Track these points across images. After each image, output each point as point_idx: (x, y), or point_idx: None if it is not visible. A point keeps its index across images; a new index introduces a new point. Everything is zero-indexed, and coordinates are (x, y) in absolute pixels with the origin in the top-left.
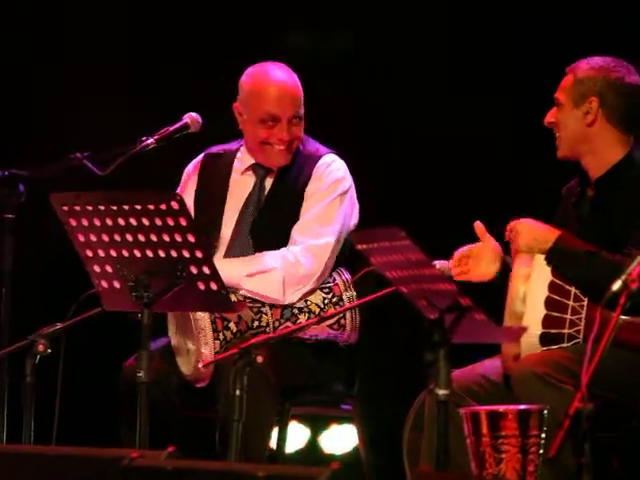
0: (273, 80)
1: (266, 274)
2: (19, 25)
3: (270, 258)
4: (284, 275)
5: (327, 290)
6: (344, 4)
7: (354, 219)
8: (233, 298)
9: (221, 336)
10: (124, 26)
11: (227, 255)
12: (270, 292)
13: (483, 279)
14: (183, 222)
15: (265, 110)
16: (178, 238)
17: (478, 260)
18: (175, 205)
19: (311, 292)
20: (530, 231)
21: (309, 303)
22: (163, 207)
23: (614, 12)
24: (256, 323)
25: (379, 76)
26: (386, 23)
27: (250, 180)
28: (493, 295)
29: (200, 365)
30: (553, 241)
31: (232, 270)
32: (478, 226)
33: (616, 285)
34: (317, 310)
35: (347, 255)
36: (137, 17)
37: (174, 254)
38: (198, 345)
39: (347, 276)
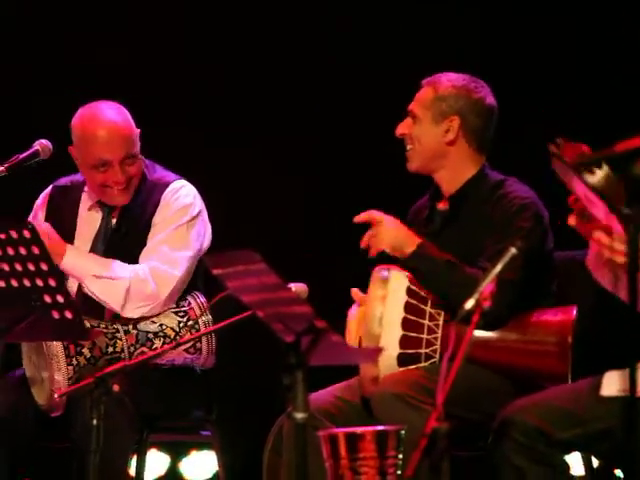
0: (101, 123)
1: (113, 281)
2: None
3: (121, 268)
4: (130, 287)
5: (182, 314)
6: None
7: (206, 243)
8: (88, 325)
9: (74, 362)
10: None
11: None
12: (111, 299)
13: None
14: (36, 250)
15: (95, 156)
16: (31, 267)
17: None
18: (27, 234)
19: (152, 314)
20: (395, 230)
21: (164, 327)
22: (15, 236)
23: None
24: (110, 349)
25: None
26: None
27: (97, 216)
28: None
29: (56, 396)
30: (416, 245)
31: (83, 264)
32: (355, 293)
33: (469, 303)
34: (172, 334)
35: (203, 279)
36: None
37: (27, 283)
38: (51, 372)
39: (202, 300)
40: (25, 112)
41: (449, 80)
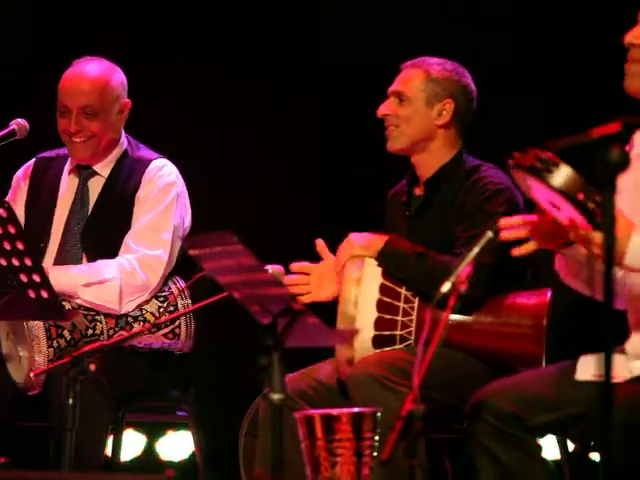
0: (72, 72)
1: (103, 284)
2: None
3: (107, 267)
4: (121, 285)
5: (162, 299)
6: None
7: (187, 223)
8: (67, 306)
9: (55, 344)
10: None
11: (58, 259)
12: (107, 302)
13: (327, 300)
14: (11, 230)
15: (59, 101)
16: (7, 246)
17: (320, 280)
18: (3, 213)
19: (146, 302)
20: (360, 235)
21: (144, 312)
22: None
23: None
24: (90, 331)
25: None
26: None
27: (75, 182)
28: None
29: (32, 374)
30: (383, 244)
31: (68, 279)
32: (319, 244)
33: (445, 287)
34: (152, 319)
35: (180, 261)
36: None
37: (3, 262)
38: (31, 353)
39: (182, 284)
40: (24, 106)
41: (439, 64)
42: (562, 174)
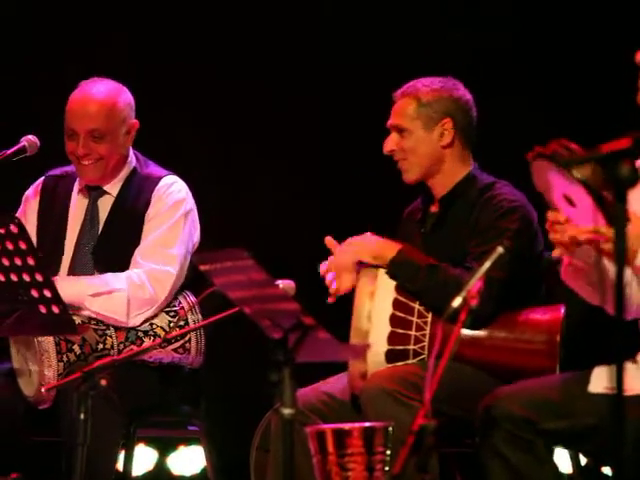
0: (78, 94)
1: (111, 295)
2: None
3: (115, 279)
4: (129, 297)
5: (173, 314)
6: None
7: (196, 239)
8: (77, 320)
9: (65, 358)
10: None
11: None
12: (114, 313)
13: (346, 291)
14: (22, 245)
15: (66, 124)
16: (18, 262)
17: (338, 274)
18: (14, 229)
19: (154, 316)
20: (375, 239)
21: (154, 326)
22: (1, 231)
23: None
24: (100, 346)
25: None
26: None
27: (84, 203)
28: None
29: (42, 389)
30: (395, 252)
31: (76, 289)
32: (329, 241)
33: (456, 301)
34: (162, 333)
35: (191, 276)
36: None
37: (14, 278)
38: (41, 367)
39: (192, 299)
40: (25, 106)
41: (425, 85)
42: (586, 166)
